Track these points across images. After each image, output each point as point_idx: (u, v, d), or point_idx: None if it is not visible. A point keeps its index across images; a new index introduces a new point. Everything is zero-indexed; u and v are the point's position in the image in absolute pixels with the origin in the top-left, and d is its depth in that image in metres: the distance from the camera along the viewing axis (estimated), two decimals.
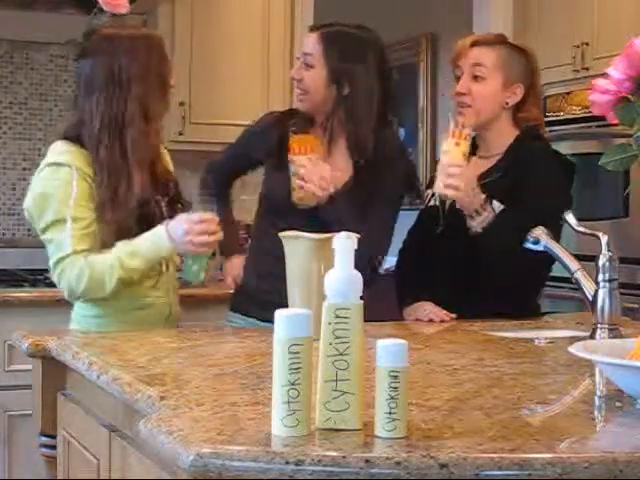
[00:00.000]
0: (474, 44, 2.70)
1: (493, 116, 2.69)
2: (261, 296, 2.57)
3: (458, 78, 2.70)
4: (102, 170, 2.42)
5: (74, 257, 2.37)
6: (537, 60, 2.76)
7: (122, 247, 2.39)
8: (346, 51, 2.61)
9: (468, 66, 2.68)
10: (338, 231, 1.42)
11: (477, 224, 2.51)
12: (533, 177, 2.58)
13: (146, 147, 2.47)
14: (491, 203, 2.55)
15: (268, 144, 2.66)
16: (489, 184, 2.59)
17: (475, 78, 2.67)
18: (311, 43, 2.62)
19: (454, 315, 2.57)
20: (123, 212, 2.40)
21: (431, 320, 2.54)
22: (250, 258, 2.75)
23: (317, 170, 2.50)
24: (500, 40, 2.74)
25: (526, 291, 2.68)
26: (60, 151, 2.45)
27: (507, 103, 2.68)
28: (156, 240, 2.39)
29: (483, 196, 2.51)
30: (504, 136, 2.69)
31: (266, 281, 2.58)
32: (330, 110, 2.61)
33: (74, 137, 2.46)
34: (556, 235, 2.50)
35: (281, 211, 2.58)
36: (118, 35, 2.51)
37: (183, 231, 2.37)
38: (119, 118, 2.43)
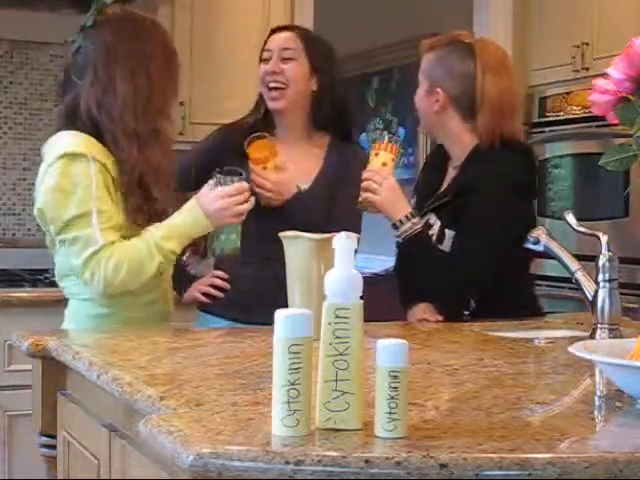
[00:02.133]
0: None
1: (429, 124, 2.65)
2: (245, 299, 2.65)
3: None
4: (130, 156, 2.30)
5: (108, 249, 2.24)
6: (494, 60, 2.55)
7: (155, 231, 2.29)
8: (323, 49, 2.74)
9: None
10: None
11: (399, 234, 2.48)
12: (470, 210, 2.46)
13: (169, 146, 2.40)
14: (444, 231, 2.51)
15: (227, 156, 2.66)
16: (439, 207, 2.56)
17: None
18: (291, 39, 2.70)
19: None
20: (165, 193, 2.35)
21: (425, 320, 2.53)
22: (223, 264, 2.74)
23: (274, 178, 2.60)
24: (443, 42, 2.61)
25: (519, 289, 2.66)
26: (69, 142, 2.29)
27: (433, 109, 2.57)
28: (193, 219, 2.32)
29: (409, 209, 2.48)
30: (460, 146, 2.58)
31: (246, 283, 2.66)
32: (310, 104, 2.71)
33: (80, 123, 2.31)
34: (522, 264, 2.56)
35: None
36: (138, 15, 2.41)
37: (219, 206, 2.33)
38: (144, 101, 2.32)
